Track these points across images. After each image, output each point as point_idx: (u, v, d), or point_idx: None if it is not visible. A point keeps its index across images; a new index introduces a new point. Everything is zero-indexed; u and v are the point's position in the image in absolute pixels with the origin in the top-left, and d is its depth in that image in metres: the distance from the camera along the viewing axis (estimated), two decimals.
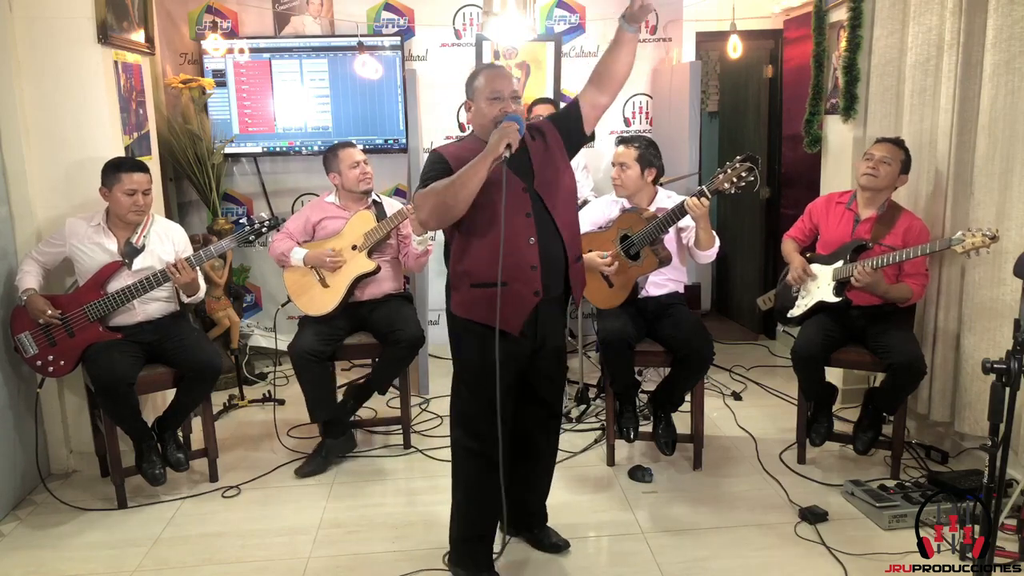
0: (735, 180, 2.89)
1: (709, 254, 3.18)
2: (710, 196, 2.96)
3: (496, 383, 2.25)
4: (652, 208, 3.25)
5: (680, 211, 3.03)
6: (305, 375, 3.35)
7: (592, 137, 2.55)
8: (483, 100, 2.40)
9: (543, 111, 4.40)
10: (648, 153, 3.25)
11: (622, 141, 3.31)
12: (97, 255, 3.10)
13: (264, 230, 3.24)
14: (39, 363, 3.06)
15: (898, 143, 3.19)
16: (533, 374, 2.54)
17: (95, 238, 3.11)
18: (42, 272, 3.15)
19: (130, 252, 3.12)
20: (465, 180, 2.25)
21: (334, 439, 3.45)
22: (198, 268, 3.16)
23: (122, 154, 3.38)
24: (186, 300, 3.26)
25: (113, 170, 3.06)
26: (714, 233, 3.13)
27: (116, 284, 3.09)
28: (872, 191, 3.20)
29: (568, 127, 2.49)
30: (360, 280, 3.44)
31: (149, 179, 3.14)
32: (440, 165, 2.38)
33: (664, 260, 3.17)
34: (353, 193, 3.53)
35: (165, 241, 3.22)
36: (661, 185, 3.43)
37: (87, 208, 3.21)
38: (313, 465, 3.41)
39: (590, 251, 3.29)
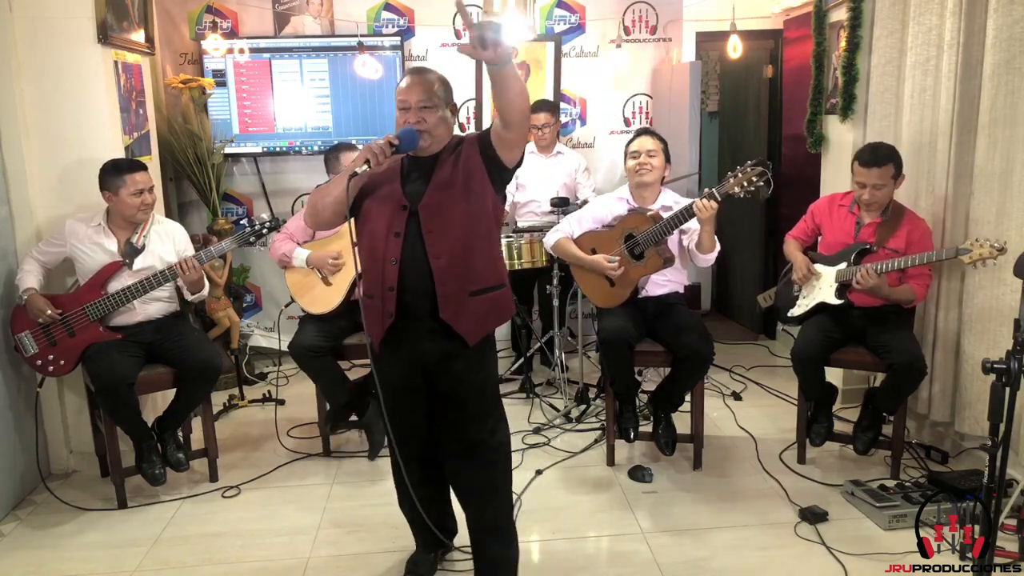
0: (745, 184, 2.89)
1: (709, 257, 3.18)
2: (719, 199, 2.95)
3: (379, 393, 2.28)
4: (656, 207, 3.25)
5: (687, 213, 3.02)
6: (310, 369, 3.38)
7: (517, 166, 2.31)
8: (397, 109, 2.30)
9: (538, 120, 4.38)
10: (667, 148, 3.31)
11: (645, 132, 3.31)
12: (97, 255, 3.10)
13: (265, 231, 3.25)
14: (39, 362, 3.06)
15: (882, 163, 3.07)
16: (436, 396, 2.41)
17: (95, 238, 3.11)
18: (42, 271, 3.15)
19: (130, 252, 3.13)
20: (329, 189, 2.27)
21: (361, 415, 3.49)
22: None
23: (122, 154, 3.39)
24: (190, 298, 3.26)
25: (114, 173, 3.05)
26: (715, 237, 3.13)
27: (116, 284, 3.09)
28: (876, 208, 3.19)
29: (487, 153, 2.27)
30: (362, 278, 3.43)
31: (150, 176, 3.15)
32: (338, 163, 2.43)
33: (668, 261, 3.17)
34: None
35: (166, 241, 3.22)
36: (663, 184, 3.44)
37: (87, 208, 3.21)
38: (374, 446, 3.50)
39: (593, 250, 3.29)
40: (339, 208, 2.25)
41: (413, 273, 2.24)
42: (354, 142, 4.62)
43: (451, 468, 2.48)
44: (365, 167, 2.16)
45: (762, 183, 2.87)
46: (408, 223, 2.25)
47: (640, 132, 3.35)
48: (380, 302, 2.28)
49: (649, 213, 3.17)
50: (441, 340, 2.29)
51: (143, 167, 3.13)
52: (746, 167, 2.90)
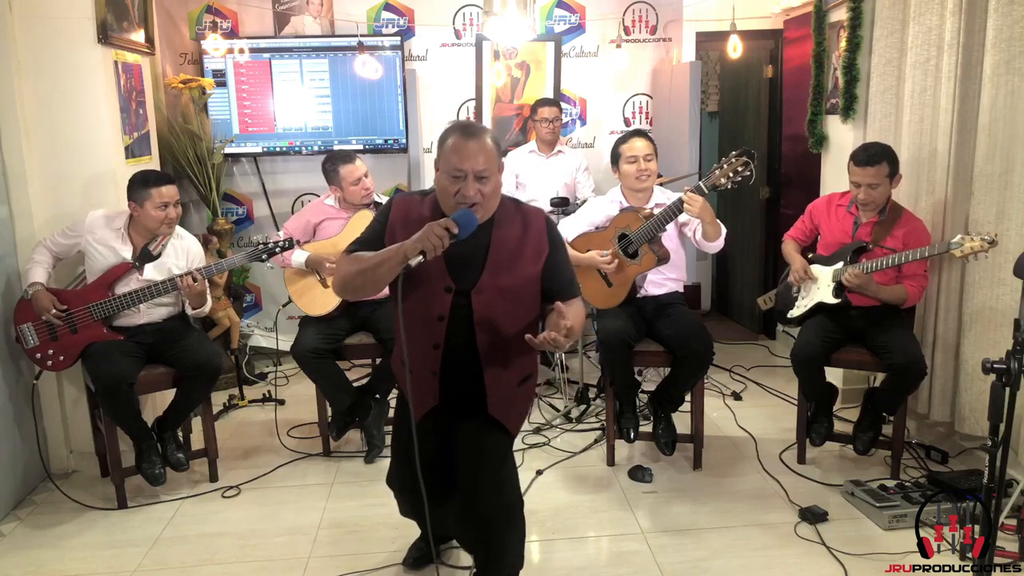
0: (731, 175, 2.91)
1: (717, 244, 3.17)
2: (707, 192, 2.96)
3: (411, 452, 2.08)
4: (650, 206, 3.26)
5: (678, 207, 3.03)
6: (313, 372, 3.38)
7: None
8: (444, 171, 2.05)
9: (547, 113, 4.39)
10: (656, 148, 3.31)
11: (638, 135, 3.29)
12: (108, 257, 3.11)
13: (278, 251, 3.25)
14: (38, 355, 3.06)
15: (875, 162, 3.06)
16: (458, 456, 2.27)
17: (111, 242, 3.11)
18: (52, 262, 3.15)
19: (144, 256, 3.12)
20: (372, 274, 2.05)
21: (364, 418, 3.48)
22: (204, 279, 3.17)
23: (122, 155, 3.40)
24: (191, 312, 3.26)
25: (142, 185, 3.05)
26: (719, 222, 3.12)
27: (123, 287, 3.09)
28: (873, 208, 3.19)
29: (549, 271, 2.16)
30: None
31: (177, 190, 3.14)
32: (378, 226, 2.18)
33: (663, 258, 3.17)
34: (355, 204, 3.55)
35: (180, 256, 3.22)
36: (659, 184, 3.44)
37: (87, 208, 3.20)
38: (372, 449, 3.49)
39: (589, 250, 3.30)
40: (379, 288, 2.09)
41: (459, 361, 2.12)
42: (354, 143, 4.64)
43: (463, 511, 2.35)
44: (420, 258, 1.93)
45: (748, 172, 2.89)
46: (454, 304, 2.08)
47: (632, 134, 3.31)
48: (422, 382, 2.17)
49: (643, 213, 3.18)
50: (481, 418, 2.20)
51: (171, 180, 3.13)
52: (731, 157, 2.92)
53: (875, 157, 3.07)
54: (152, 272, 3.13)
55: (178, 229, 3.25)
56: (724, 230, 3.14)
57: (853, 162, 3.14)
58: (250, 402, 4.25)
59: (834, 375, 3.65)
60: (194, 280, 3.05)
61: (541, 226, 2.17)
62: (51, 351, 3.06)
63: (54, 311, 3.00)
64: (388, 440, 3.62)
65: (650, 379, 4.11)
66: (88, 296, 3.07)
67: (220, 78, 4.61)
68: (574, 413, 3.92)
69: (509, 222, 2.14)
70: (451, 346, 2.11)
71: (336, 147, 4.64)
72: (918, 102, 3.32)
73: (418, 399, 2.20)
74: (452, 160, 2.02)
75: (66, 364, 3.09)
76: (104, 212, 3.16)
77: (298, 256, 3.47)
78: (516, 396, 2.23)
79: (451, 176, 2.03)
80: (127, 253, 3.11)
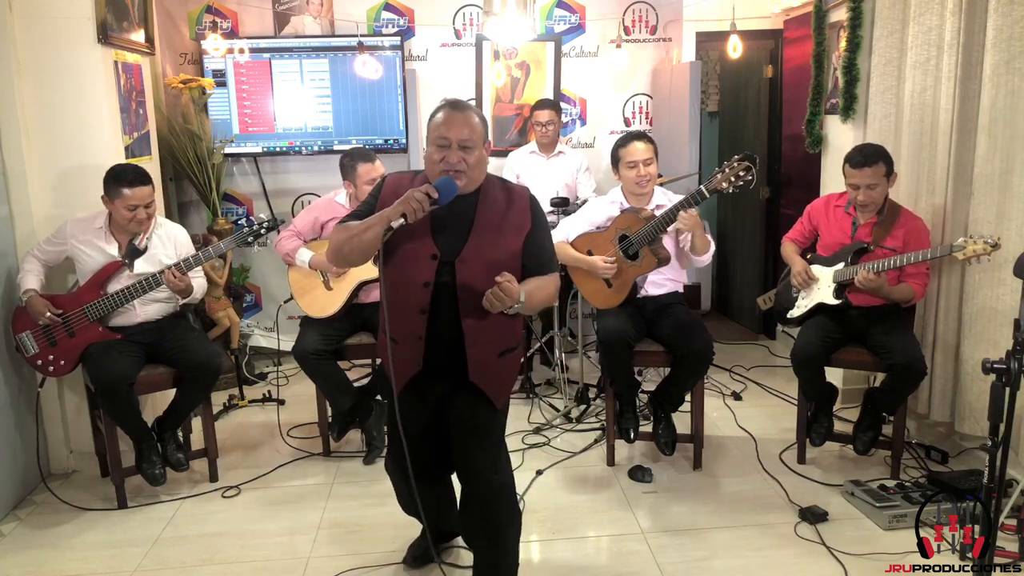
0: (733, 179, 2.91)
1: (705, 258, 3.20)
2: (708, 195, 2.97)
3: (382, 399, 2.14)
4: (651, 207, 3.26)
5: (671, 217, 3.04)
6: (314, 373, 3.37)
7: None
8: (431, 142, 2.17)
9: (542, 117, 4.39)
10: (656, 148, 3.31)
11: (637, 137, 3.27)
12: (96, 257, 3.10)
13: (263, 232, 3.24)
14: (40, 362, 3.06)
15: (871, 163, 3.06)
16: (450, 429, 2.32)
17: (96, 242, 3.11)
18: (43, 270, 3.15)
19: (132, 252, 3.12)
20: (355, 233, 2.13)
21: (365, 418, 3.49)
22: (199, 269, 3.16)
23: (122, 155, 3.39)
24: (181, 302, 3.26)
25: (115, 182, 3.01)
26: (709, 237, 3.14)
27: (116, 285, 3.09)
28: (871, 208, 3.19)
29: (529, 246, 2.22)
30: (365, 284, 3.44)
31: (152, 191, 3.09)
32: (372, 200, 2.26)
33: (663, 260, 3.16)
34: None
35: (168, 245, 3.21)
36: (659, 184, 3.44)
37: (87, 208, 3.20)
38: (372, 450, 3.49)
39: (589, 252, 3.30)
40: (367, 255, 2.17)
41: (443, 326, 2.17)
42: (353, 143, 4.64)
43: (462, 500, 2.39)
44: (402, 221, 2.04)
45: (750, 177, 2.90)
46: (439, 273, 2.15)
47: (632, 137, 3.28)
48: (407, 350, 2.22)
49: (643, 214, 3.18)
50: (466, 391, 2.24)
51: (145, 182, 3.05)
52: (732, 162, 2.93)
53: (871, 157, 3.07)
54: (143, 266, 3.12)
55: (159, 219, 3.24)
56: (713, 246, 3.17)
57: (849, 165, 3.13)
58: (250, 402, 4.25)
59: (834, 375, 3.65)
60: (174, 276, 3.03)
61: (525, 203, 2.26)
62: (51, 356, 3.06)
63: (49, 314, 3.00)
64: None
65: (650, 379, 4.11)
66: (82, 298, 3.07)
67: (220, 78, 4.61)
68: (574, 413, 3.92)
69: (494, 196, 2.24)
70: (436, 312, 2.17)
71: (336, 147, 4.64)
72: (918, 102, 3.32)
73: (402, 366, 2.24)
74: (439, 130, 2.14)
75: (67, 368, 3.09)
76: (81, 216, 3.15)
77: (303, 255, 3.46)
78: (497, 367, 2.27)
79: (437, 145, 2.14)
80: (113, 251, 3.11)
